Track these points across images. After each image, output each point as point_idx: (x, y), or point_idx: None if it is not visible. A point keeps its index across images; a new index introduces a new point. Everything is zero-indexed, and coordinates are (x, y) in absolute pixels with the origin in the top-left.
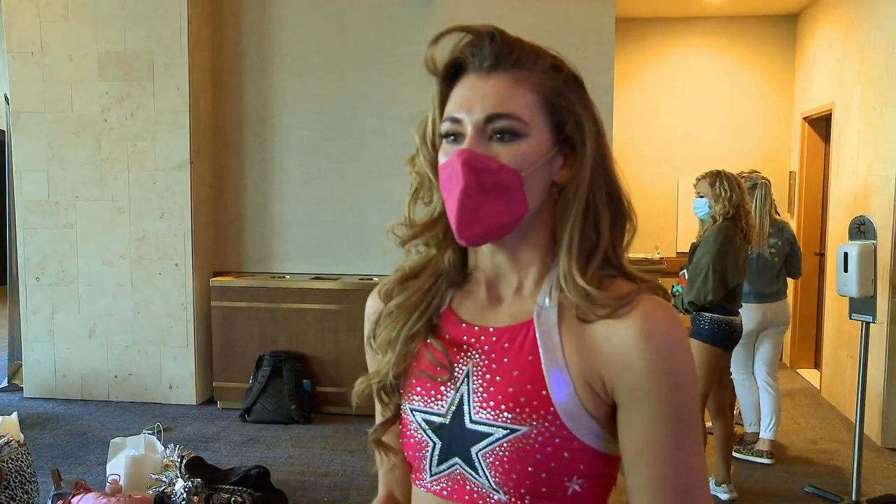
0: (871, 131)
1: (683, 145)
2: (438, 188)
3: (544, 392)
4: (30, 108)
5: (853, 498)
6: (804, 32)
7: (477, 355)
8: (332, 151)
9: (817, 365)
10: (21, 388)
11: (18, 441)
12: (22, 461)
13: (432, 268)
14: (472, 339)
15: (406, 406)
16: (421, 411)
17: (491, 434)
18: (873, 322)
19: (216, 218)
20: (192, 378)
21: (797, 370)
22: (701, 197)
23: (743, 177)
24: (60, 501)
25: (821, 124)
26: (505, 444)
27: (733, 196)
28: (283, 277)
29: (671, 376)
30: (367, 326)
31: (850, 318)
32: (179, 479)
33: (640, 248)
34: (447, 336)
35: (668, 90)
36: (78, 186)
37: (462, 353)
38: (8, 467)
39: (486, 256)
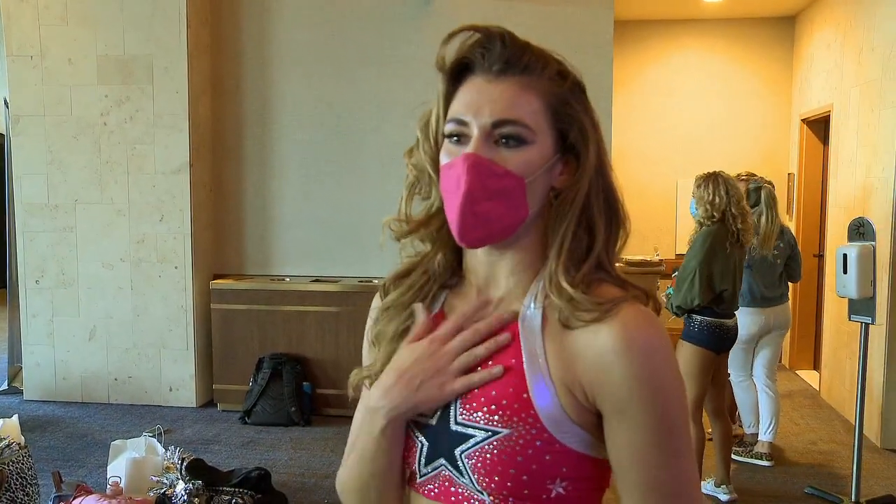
0: (870, 133)
1: (682, 147)
2: (437, 184)
3: (525, 395)
4: (29, 112)
5: (853, 499)
6: (802, 34)
7: None
8: (331, 154)
9: (817, 366)
10: (21, 391)
11: (19, 443)
12: (23, 463)
13: (425, 265)
14: None
15: None
16: None
17: (474, 436)
18: (872, 323)
19: (216, 221)
20: (191, 380)
21: (796, 371)
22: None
23: (742, 179)
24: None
25: (819, 126)
26: (487, 447)
27: (716, 199)
28: (283, 280)
29: (653, 383)
30: (369, 323)
31: (850, 320)
32: (180, 481)
33: (638, 250)
34: None
35: (667, 92)
36: (77, 190)
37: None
38: (9, 470)
39: (479, 259)
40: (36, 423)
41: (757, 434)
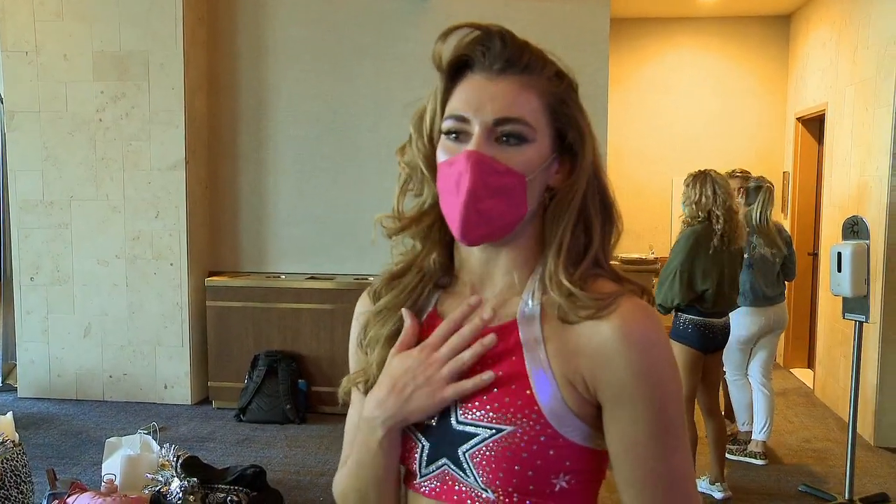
0: (864, 131)
1: (678, 145)
2: (430, 181)
3: (528, 392)
4: (24, 108)
5: (846, 497)
6: (797, 33)
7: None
8: (327, 150)
9: (811, 364)
10: (15, 389)
11: (13, 441)
12: (17, 461)
13: (418, 265)
14: None
15: None
16: None
17: (477, 434)
18: (866, 322)
19: (211, 218)
20: (187, 378)
21: (791, 370)
22: None
23: (736, 175)
24: (56, 501)
25: (814, 124)
26: (491, 444)
27: (702, 199)
28: (279, 277)
29: (652, 376)
30: (356, 327)
31: (844, 318)
32: (175, 479)
33: (634, 248)
34: None
35: (663, 90)
36: (73, 186)
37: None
38: (3, 467)
39: (473, 257)
40: (30, 420)
41: (751, 432)
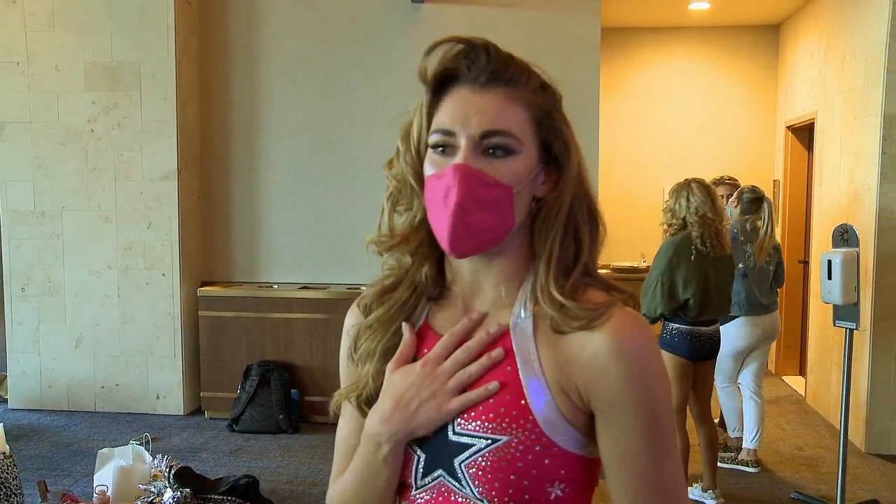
0: (853, 140)
1: (669, 154)
2: (419, 195)
3: (523, 402)
4: (16, 118)
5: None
6: (786, 42)
7: None
8: (319, 161)
9: (802, 372)
10: (6, 400)
11: (4, 453)
12: (7, 473)
13: (409, 279)
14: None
15: None
16: None
17: (472, 445)
18: (857, 329)
19: (203, 228)
20: (179, 388)
21: (782, 377)
22: None
23: (725, 182)
24: None
25: (804, 133)
26: (486, 455)
27: (676, 208)
28: (271, 287)
29: (644, 386)
30: (346, 340)
31: (834, 326)
32: (168, 490)
33: (625, 257)
34: (425, 351)
35: (653, 99)
36: (64, 196)
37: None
38: None
39: (463, 269)
40: (21, 431)
41: (741, 439)
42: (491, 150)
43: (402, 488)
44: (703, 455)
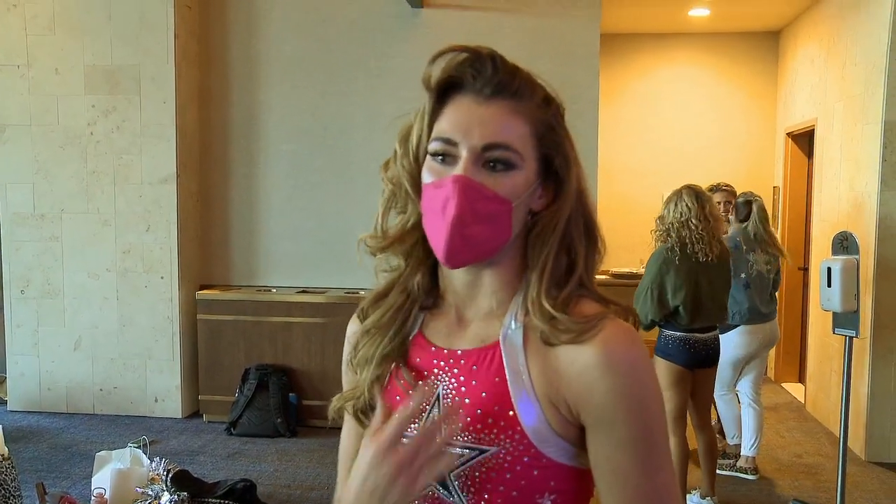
0: (853, 147)
1: (668, 160)
2: (415, 200)
3: (511, 413)
4: (16, 121)
5: None
6: (786, 49)
7: (446, 378)
8: (318, 165)
9: (802, 379)
10: (5, 402)
11: (2, 455)
12: (6, 475)
13: (402, 284)
14: (442, 363)
15: None
16: None
17: (461, 455)
18: (856, 337)
19: (202, 231)
20: (177, 391)
21: (782, 384)
22: None
23: (722, 188)
24: None
25: (804, 140)
26: (475, 465)
27: (664, 214)
28: (270, 291)
29: (634, 399)
30: (347, 348)
31: (834, 333)
32: (165, 493)
33: (625, 263)
34: (418, 360)
35: (653, 105)
36: (64, 199)
37: (432, 377)
38: None
39: (457, 279)
40: (20, 433)
41: (740, 445)
42: (492, 164)
43: None
44: (702, 462)
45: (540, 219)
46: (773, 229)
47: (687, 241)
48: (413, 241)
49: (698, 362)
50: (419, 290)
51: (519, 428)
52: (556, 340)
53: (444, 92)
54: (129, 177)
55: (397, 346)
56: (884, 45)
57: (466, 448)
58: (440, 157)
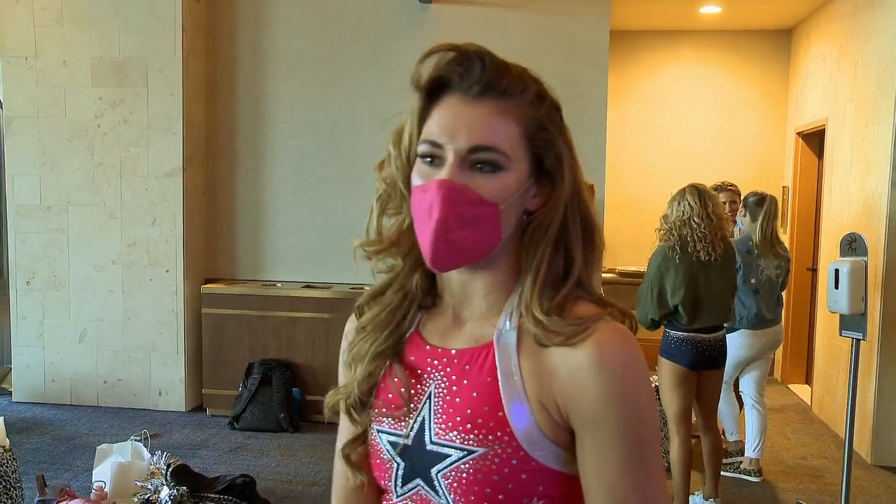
0: (864, 148)
1: (677, 158)
2: (408, 201)
3: (501, 414)
4: (23, 113)
5: None
6: (798, 48)
7: (439, 377)
8: (324, 159)
9: (808, 381)
10: (10, 393)
11: (4, 446)
12: (7, 466)
13: (399, 283)
14: (435, 361)
15: (373, 427)
16: (386, 433)
17: (449, 455)
18: (863, 339)
19: (208, 225)
20: (181, 385)
21: (788, 385)
22: None
23: (727, 188)
24: None
25: (814, 139)
26: (463, 466)
27: (668, 213)
28: (274, 285)
29: (625, 403)
30: (344, 344)
31: (840, 335)
32: (165, 487)
33: (633, 262)
34: (412, 358)
35: (663, 103)
36: (70, 192)
37: (425, 376)
38: None
39: (452, 280)
40: (24, 425)
41: (739, 442)
42: (479, 165)
43: (384, 493)
44: (706, 463)
45: (534, 219)
46: (781, 229)
47: (688, 239)
48: (410, 243)
49: (702, 363)
50: (418, 290)
51: (508, 430)
52: (549, 342)
53: (433, 91)
54: (136, 170)
55: (392, 345)
56: None
57: (455, 448)
58: (428, 159)
